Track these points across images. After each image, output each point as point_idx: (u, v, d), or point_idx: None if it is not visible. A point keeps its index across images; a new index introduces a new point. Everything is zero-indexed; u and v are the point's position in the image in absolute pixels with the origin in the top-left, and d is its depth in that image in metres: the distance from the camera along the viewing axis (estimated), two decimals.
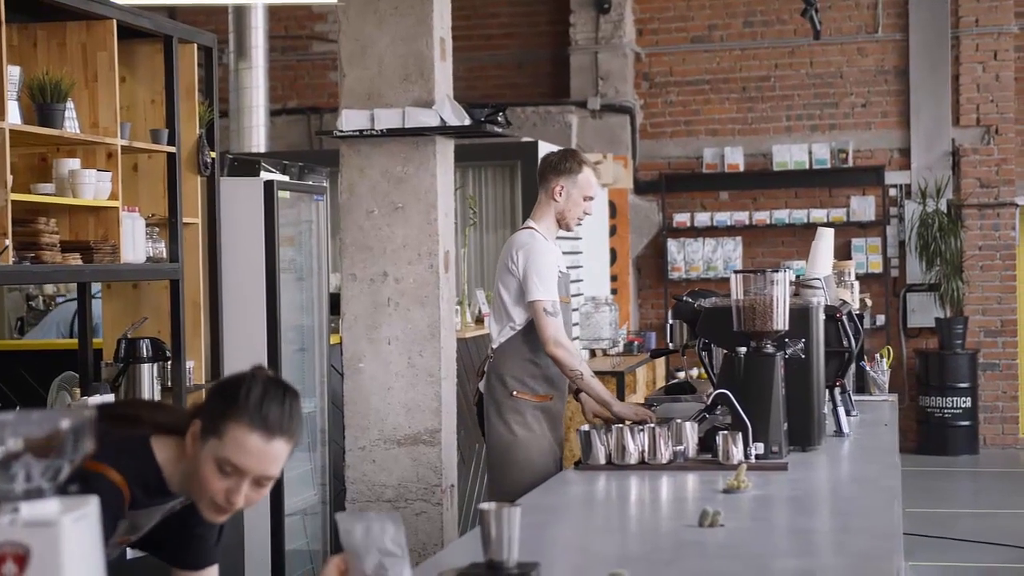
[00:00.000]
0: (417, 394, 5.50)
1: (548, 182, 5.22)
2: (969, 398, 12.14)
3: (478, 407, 5.32)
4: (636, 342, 10.34)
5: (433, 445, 5.53)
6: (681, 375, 9.15)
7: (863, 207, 12.53)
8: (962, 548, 8.50)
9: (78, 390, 5.58)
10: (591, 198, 5.23)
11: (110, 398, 5.28)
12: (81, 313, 5.72)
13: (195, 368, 5.94)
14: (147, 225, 5.55)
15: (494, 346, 5.21)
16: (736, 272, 4.46)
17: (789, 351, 4.48)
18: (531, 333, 5.10)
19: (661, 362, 10.62)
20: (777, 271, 4.43)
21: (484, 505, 2.68)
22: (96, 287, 6.12)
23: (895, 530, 3.23)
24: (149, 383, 5.48)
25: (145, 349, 5.49)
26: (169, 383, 5.68)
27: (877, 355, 6.42)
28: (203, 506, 2.63)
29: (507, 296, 5.15)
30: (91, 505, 1.79)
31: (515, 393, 5.12)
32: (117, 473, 2.59)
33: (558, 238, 5.33)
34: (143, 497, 2.65)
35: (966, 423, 12.15)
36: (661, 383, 10.06)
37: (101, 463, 2.55)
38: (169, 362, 5.66)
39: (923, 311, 12.49)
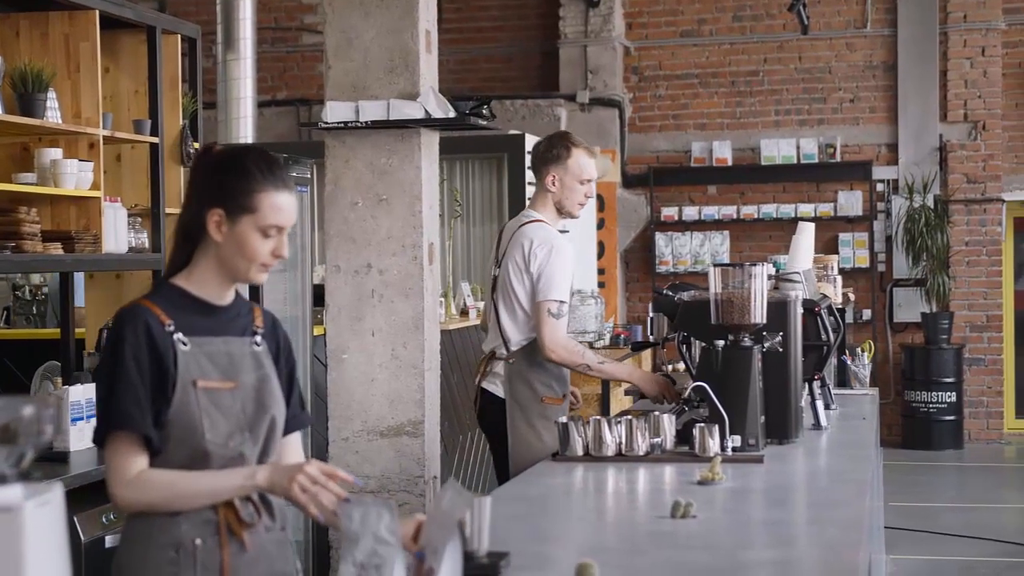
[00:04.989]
0: (400, 385, 5.49)
1: (540, 173, 5.09)
2: (954, 393, 12.18)
3: (478, 406, 5.17)
4: (623, 335, 10.36)
5: (416, 436, 5.53)
6: (669, 368, 9.17)
7: (850, 202, 12.55)
8: (945, 542, 8.55)
9: (60, 379, 5.58)
10: (588, 180, 5.06)
11: (92, 387, 5.28)
12: (63, 303, 5.73)
13: None
14: (130, 215, 5.56)
15: (512, 347, 5.02)
16: (715, 266, 4.45)
17: (767, 344, 4.49)
18: None
19: (648, 355, 10.64)
20: (755, 265, 4.44)
21: None
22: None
23: (863, 521, 3.26)
24: None
25: None
26: None
27: (858, 349, 6.45)
28: (251, 275, 2.88)
29: (524, 296, 5.00)
30: (54, 492, 1.80)
31: (544, 399, 5.01)
32: (147, 300, 2.83)
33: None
34: (191, 319, 2.85)
35: (951, 418, 12.19)
36: None
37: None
38: None
39: (909, 306, 12.52)
